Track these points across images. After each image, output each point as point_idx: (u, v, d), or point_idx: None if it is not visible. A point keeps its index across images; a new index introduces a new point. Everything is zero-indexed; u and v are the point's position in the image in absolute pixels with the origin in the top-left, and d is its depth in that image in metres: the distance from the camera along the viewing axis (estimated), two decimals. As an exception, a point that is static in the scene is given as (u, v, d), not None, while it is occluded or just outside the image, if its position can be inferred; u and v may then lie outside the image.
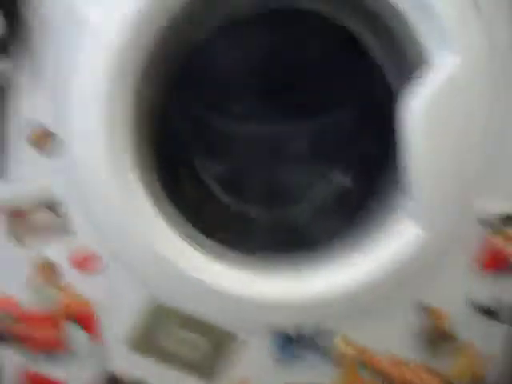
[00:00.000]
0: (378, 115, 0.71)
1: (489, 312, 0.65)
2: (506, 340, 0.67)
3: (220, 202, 0.78)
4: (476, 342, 0.67)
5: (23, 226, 0.59)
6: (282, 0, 0.69)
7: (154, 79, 0.63)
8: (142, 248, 0.58)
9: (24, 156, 0.57)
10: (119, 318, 0.63)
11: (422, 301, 0.65)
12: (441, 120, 0.57)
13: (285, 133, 0.81)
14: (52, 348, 0.63)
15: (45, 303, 0.62)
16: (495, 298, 0.65)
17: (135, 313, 0.63)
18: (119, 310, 0.62)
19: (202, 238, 0.64)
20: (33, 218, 0.59)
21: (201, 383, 0.66)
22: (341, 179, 0.81)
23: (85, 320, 0.63)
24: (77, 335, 0.63)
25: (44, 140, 0.56)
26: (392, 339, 0.67)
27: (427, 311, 0.65)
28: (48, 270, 0.61)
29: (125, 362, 0.64)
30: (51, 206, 0.59)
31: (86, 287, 0.62)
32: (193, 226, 0.65)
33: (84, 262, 0.61)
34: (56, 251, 0.60)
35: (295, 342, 0.65)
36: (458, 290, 0.65)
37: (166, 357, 0.64)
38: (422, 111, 0.56)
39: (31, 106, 0.56)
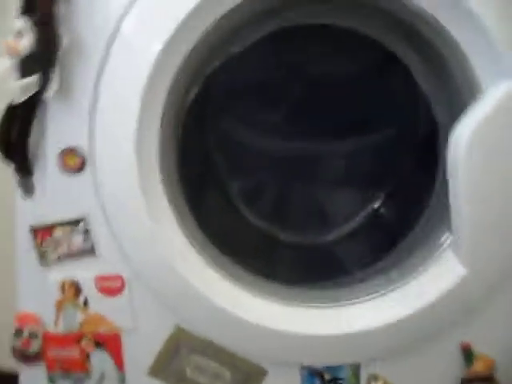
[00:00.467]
0: (423, 143, 0.67)
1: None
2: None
3: (250, 225, 0.75)
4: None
5: (50, 246, 0.58)
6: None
7: (182, 96, 0.61)
8: (169, 274, 0.56)
9: (53, 176, 0.56)
10: (142, 341, 0.61)
11: (466, 344, 0.60)
12: (487, 151, 0.53)
13: (323, 153, 0.78)
14: (73, 368, 0.62)
15: (70, 325, 0.61)
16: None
17: (158, 337, 0.61)
18: (142, 333, 0.61)
19: (230, 265, 0.62)
20: (59, 239, 0.58)
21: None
22: (379, 207, 0.77)
23: (109, 343, 0.61)
24: (100, 357, 0.62)
25: (73, 160, 0.55)
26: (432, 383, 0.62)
27: (471, 355, 0.60)
28: (74, 291, 0.60)
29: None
30: (79, 227, 0.58)
31: (110, 310, 0.60)
32: (221, 251, 0.62)
33: (109, 285, 0.59)
34: (82, 273, 0.59)
35: (326, 380, 0.62)
36: (507, 335, 0.60)
37: (187, 385, 0.62)
38: (468, 140, 0.52)
39: (61, 126, 0.55)
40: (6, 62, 0.51)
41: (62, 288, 0.59)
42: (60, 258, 0.59)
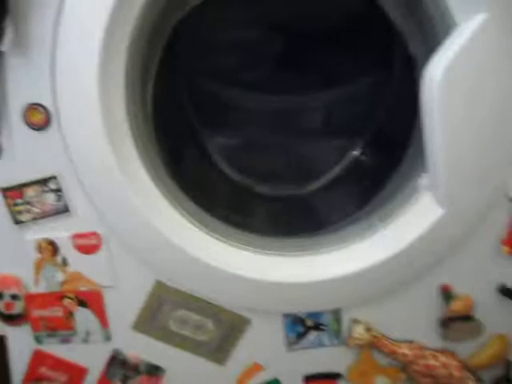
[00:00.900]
0: (401, 90, 0.65)
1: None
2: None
3: (226, 178, 0.74)
4: (501, 327, 0.63)
5: (23, 206, 0.57)
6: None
7: (153, 44, 0.59)
8: (144, 229, 0.56)
9: (19, 134, 0.54)
10: (123, 297, 0.61)
11: (445, 285, 0.61)
12: (462, 86, 0.51)
13: (299, 104, 0.76)
14: (58, 327, 0.63)
15: (50, 284, 0.61)
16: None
17: (139, 293, 0.61)
18: (123, 289, 0.61)
19: (206, 217, 0.61)
20: (32, 199, 0.57)
21: (211, 365, 0.64)
22: (358, 156, 0.75)
23: (91, 301, 0.62)
24: (84, 315, 0.62)
25: (38, 117, 0.54)
26: (412, 324, 0.63)
27: (451, 296, 0.61)
28: (51, 251, 0.59)
29: (130, 341, 0.63)
30: (50, 186, 0.57)
31: (89, 268, 0.60)
32: (197, 204, 0.61)
33: (85, 243, 0.59)
34: (58, 232, 0.59)
35: (308, 326, 0.62)
36: (484, 274, 0.60)
37: (170, 338, 0.62)
38: (441, 76, 0.50)
39: (22, 83, 0.53)
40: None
41: (39, 248, 0.59)
42: (35, 219, 0.58)
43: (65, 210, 0.58)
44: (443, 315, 0.62)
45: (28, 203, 0.57)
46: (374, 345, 0.62)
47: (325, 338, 0.63)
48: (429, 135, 0.54)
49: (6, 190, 0.57)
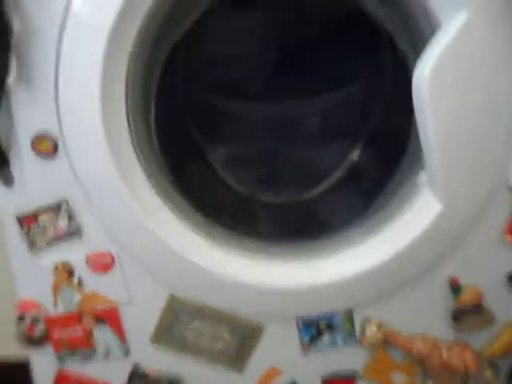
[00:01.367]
0: (396, 89, 0.66)
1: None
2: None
3: (230, 188, 0.76)
4: (509, 314, 0.64)
5: (37, 232, 0.60)
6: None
7: (152, 64, 0.61)
8: (154, 245, 0.58)
9: (29, 163, 0.57)
10: (139, 313, 0.63)
11: (453, 277, 0.61)
12: (450, 84, 0.52)
13: (296, 111, 0.78)
14: (79, 346, 0.64)
15: (68, 305, 0.63)
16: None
17: (154, 307, 0.63)
18: (138, 305, 0.63)
19: (214, 228, 0.63)
20: (45, 224, 0.59)
21: (230, 374, 0.66)
22: (357, 158, 0.77)
23: (109, 318, 0.63)
24: (102, 333, 0.64)
25: (45, 145, 0.56)
26: (424, 319, 0.64)
27: (460, 289, 0.61)
28: (67, 273, 0.61)
29: (149, 355, 0.65)
30: (62, 211, 0.59)
31: (104, 287, 0.62)
32: (204, 215, 0.63)
33: (99, 263, 0.61)
34: (72, 254, 0.61)
35: (321, 328, 0.64)
36: (491, 263, 0.61)
37: (188, 349, 0.64)
38: (429, 76, 0.52)
39: (28, 114, 0.55)
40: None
41: (56, 271, 0.61)
42: (49, 243, 0.60)
43: (77, 231, 0.60)
44: (453, 308, 0.63)
45: (42, 228, 0.60)
46: (387, 342, 0.63)
47: (339, 338, 0.64)
48: (423, 133, 0.55)
49: (20, 217, 0.59)
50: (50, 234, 0.60)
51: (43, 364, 0.66)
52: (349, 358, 0.65)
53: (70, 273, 0.61)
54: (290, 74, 0.77)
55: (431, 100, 0.53)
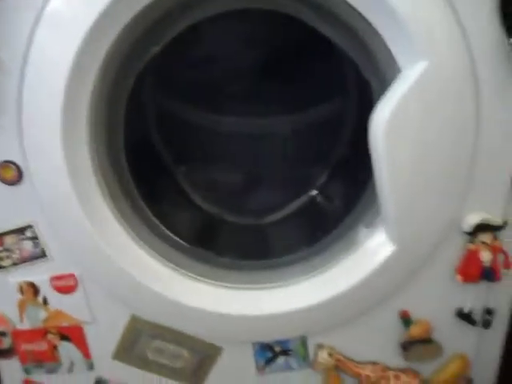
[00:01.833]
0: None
1: (469, 318, 0.63)
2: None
3: (194, 206, 0.78)
4: (460, 349, 0.66)
5: (3, 253, 0.62)
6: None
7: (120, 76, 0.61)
8: (114, 271, 0.60)
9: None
10: (102, 331, 0.66)
11: (403, 310, 0.64)
12: (405, 130, 0.53)
13: (265, 129, 0.79)
14: (44, 359, 0.67)
15: (33, 321, 0.65)
16: (475, 304, 0.63)
17: (116, 326, 0.65)
18: (101, 324, 0.65)
19: (174, 254, 0.65)
20: (11, 247, 0.61)
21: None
22: (316, 195, 0.78)
23: (73, 335, 0.66)
24: (67, 348, 0.67)
25: (10, 173, 0.57)
26: (375, 347, 0.66)
27: (410, 321, 0.64)
28: (32, 292, 0.64)
29: (113, 370, 0.68)
30: (26, 235, 0.61)
31: (68, 306, 0.64)
32: (165, 238, 0.65)
33: (63, 284, 0.63)
34: (37, 276, 0.63)
35: (276, 352, 0.66)
36: (442, 300, 0.63)
37: (149, 366, 0.67)
38: (385, 122, 0.53)
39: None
40: None
41: (21, 290, 0.63)
42: (15, 264, 0.62)
43: (42, 255, 0.62)
44: (403, 339, 0.65)
45: (8, 250, 0.61)
46: (338, 368, 0.66)
47: (293, 361, 0.67)
48: (377, 174, 0.56)
49: (-14, 240, 0.61)
50: (16, 255, 0.62)
51: (12, 373, 0.69)
52: (302, 380, 0.68)
53: (36, 292, 0.64)
54: (259, 91, 0.77)
55: (387, 143, 0.54)
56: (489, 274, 0.61)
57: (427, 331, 0.64)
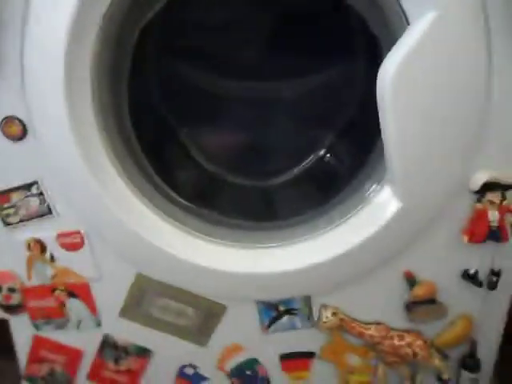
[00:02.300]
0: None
1: (474, 279, 0.63)
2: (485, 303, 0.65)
3: (198, 166, 0.77)
4: (464, 310, 0.66)
5: (11, 210, 0.62)
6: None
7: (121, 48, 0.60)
8: (119, 228, 0.60)
9: (0, 146, 0.59)
10: (109, 288, 0.66)
11: (408, 271, 0.63)
12: (413, 84, 0.52)
13: (271, 92, 0.77)
14: (53, 315, 0.69)
15: (41, 278, 0.66)
16: (481, 266, 0.63)
17: (123, 284, 0.66)
18: (108, 281, 0.66)
19: (179, 213, 0.65)
20: (17, 203, 0.62)
21: (194, 347, 0.70)
22: (324, 155, 0.77)
23: (80, 292, 0.67)
24: (74, 305, 0.68)
25: (14, 129, 0.57)
26: (379, 308, 0.67)
27: (414, 282, 0.64)
28: (39, 249, 0.64)
29: (119, 327, 0.69)
30: (32, 191, 0.61)
31: (75, 263, 0.65)
32: (170, 197, 0.65)
33: (70, 241, 0.64)
34: (44, 232, 0.63)
35: (281, 311, 0.67)
36: (447, 260, 0.63)
37: (155, 323, 0.68)
38: (393, 74, 0.51)
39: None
40: None
41: (29, 246, 0.64)
42: (22, 221, 0.63)
43: (48, 211, 0.62)
44: (408, 299, 0.65)
45: (14, 207, 0.62)
46: (342, 327, 0.66)
47: (297, 321, 0.68)
48: (384, 130, 0.55)
49: (-5, 197, 0.62)
50: (23, 212, 0.62)
51: (21, 329, 0.71)
52: (306, 339, 0.69)
53: (43, 249, 0.65)
54: (266, 53, 0.76)
55: (394, 98, 0.53)
56: (496, 235, 0.60)
57: (432, 292, 0.64)
